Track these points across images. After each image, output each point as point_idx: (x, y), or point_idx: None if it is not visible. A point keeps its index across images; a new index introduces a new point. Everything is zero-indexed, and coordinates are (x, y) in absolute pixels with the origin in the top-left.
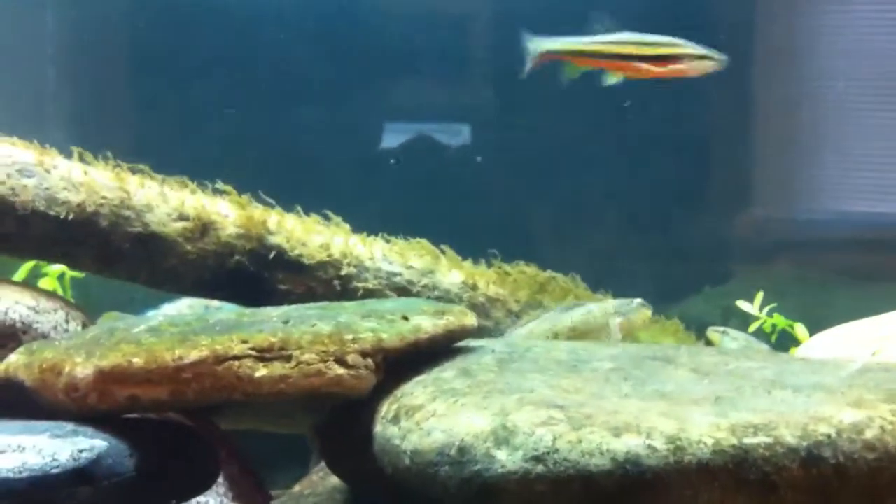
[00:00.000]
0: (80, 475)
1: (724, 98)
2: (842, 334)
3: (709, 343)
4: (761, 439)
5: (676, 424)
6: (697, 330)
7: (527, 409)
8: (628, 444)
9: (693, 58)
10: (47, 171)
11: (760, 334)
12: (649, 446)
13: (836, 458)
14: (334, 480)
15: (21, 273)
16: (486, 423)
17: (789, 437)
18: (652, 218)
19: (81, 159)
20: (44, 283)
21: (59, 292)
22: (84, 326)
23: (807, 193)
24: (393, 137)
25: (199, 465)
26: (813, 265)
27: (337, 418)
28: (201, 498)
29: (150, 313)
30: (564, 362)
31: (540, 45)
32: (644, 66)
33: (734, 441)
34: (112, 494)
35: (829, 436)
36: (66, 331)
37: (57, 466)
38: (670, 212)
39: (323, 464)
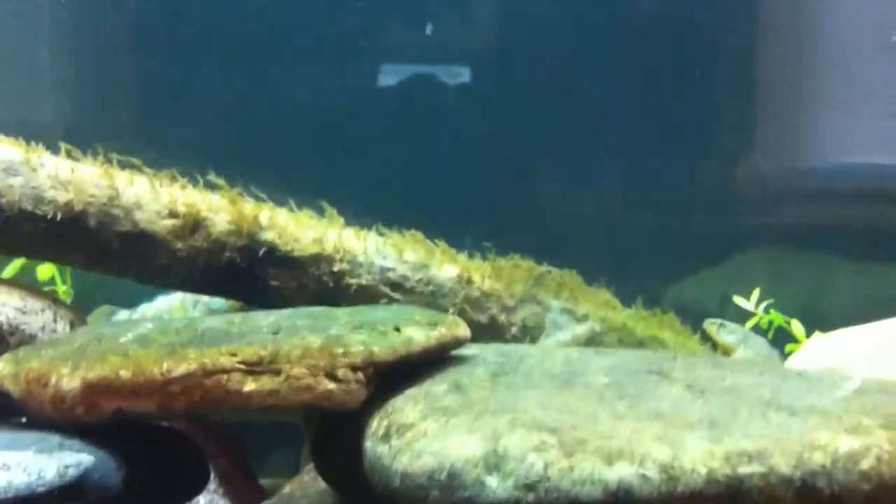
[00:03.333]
0: (68, 492)
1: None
2: (837, 341)
3: (705, 336)
4: (755, 468)
5: (670, 451)
6: (694, 320)
7: (518, 432)
8: (620, 472)
9: None
10: (34, 169)
11: (757, 328)
12: (642, 475)
13: (831, 488)
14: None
15: (10, 270)
16: (478, 448)
17: (784, 466)
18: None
19: (69, 155)
20: (42, 270)
21: (57, 278)
22: (72, 326)
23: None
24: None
25: (189, 471)
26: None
27: (328, 428)
28: None
29: (143, 306)
30: (558, 376)
31: None
32: None
33: (728, 471)
34: None
35: (824, 465)
36: (55, 331)
37: (43, 484)
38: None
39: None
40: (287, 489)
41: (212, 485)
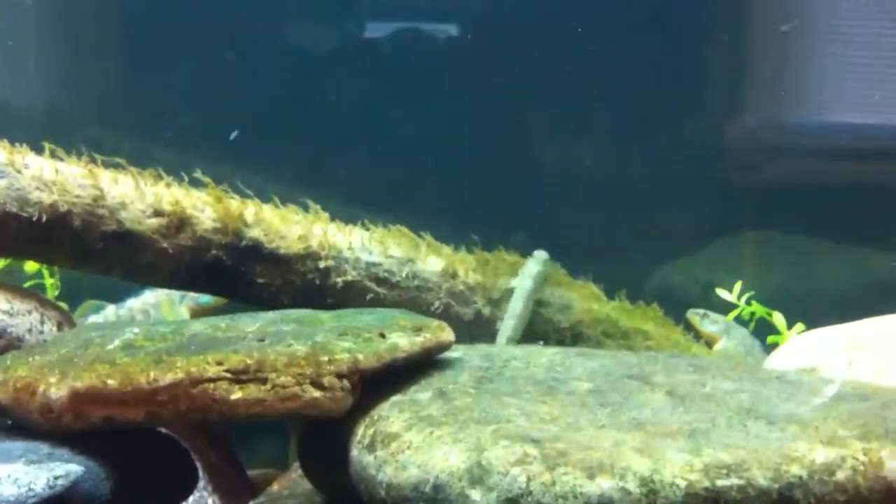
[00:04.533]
0: (58, 502)
1: None
2: (818, 340)
3: (688, 327)
4: (734, 481)
5: (650, 464)
6: (677, 309)
7: (502, 443)
8: (602, 486)
9: None
10: (18, 171)
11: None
12: (622, 489)
13: (807, 500)
14: None
15: None
16: (461, 460)
17: (761, 478)
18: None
19: (53, 155)
20: (29, 263)
21: (44, 271)
22: (59, 327)
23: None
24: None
25: (178, 475)
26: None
27: (314, 433)
28: None
29: (129, 301)
30: (541, 382)
31: None
32: None
33: (707, 483)
34: None
35: (800, 477)
36: (42, 332)
37: (33, 496)
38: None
39: None
40: (275, 487)
41: (201, 481)
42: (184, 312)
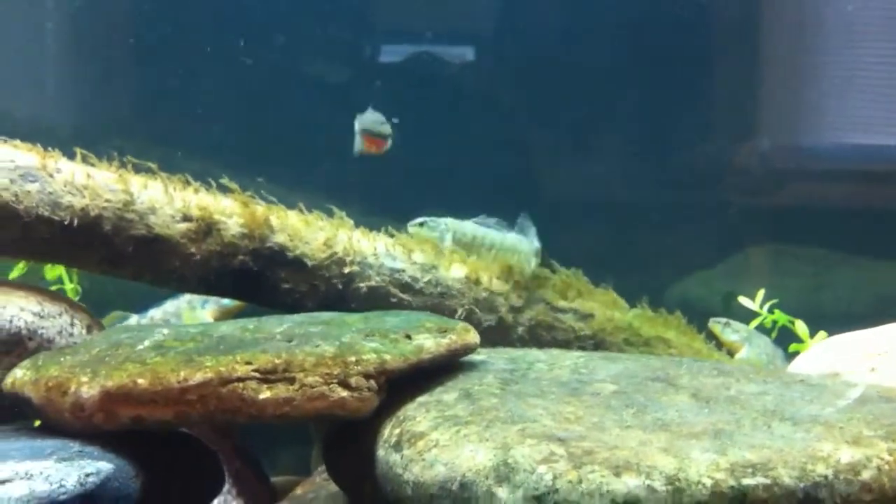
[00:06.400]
0: (88, 500)
1: None
2: (839, 347)
3: (710, 336)
4: (759, 480)
5: (676, 462)
6: (696, 320)
7: (528, 442)
8: (628, 484)
9: None
10: (50, 175)
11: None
12: (649, 487)
13: (833, 499)
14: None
15: (17, 270)
16: (488, 458)
17: (787, 477)
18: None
19: (84, 160)
20: (49, 269)
21: (64, 276)
22: (89, 329)
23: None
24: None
25: (205, 476)
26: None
27: (340, 434)
28: None
29: (151, 311)
30: (566, 384)
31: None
32: None
33: (732, 482)
34: None
35: (826, 476)
36: (71, 335)
37: (64, 493)
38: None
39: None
40: (299, 490)
41: (226, 485)
42: (207, 317)
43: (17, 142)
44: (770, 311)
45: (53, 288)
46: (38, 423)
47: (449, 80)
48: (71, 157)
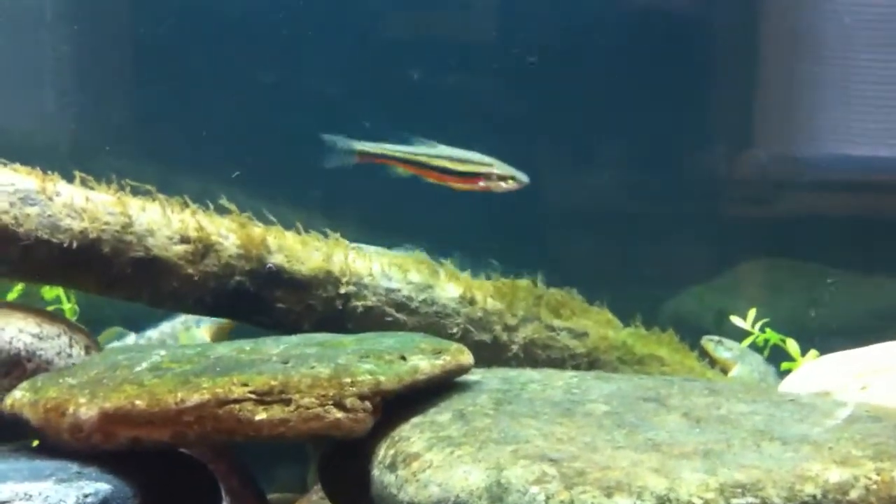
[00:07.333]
0: None
1: None
2: (830, 365)
3: (703, 353)
4: (748, 500)
5: (666, 483)
6: (691, 336)
7: (521, 463)
8: None
9: (497, 178)
10: (50, 198)
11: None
12: None
13: None
14: None
15: (15, 291)
16: (481, 479)
17: (776, 497)
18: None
19: (83, 183)
20: (47, 289)
21: (62, 296)
22: (87, 350)
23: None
24: None
25: (202, 495)
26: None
27: (336, 453)
28: None
29: (148, 332)
30: (559, 404)
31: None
32: (453, 180)
33: (722, 502)
34: None
35: (814, 496)
36: (70, 356)
37: None
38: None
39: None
40: None
41: (222, 503)
42: (202, 334)
43: (17, 165)
44: (762, 330)
45: (51, 308)
46: (36, 442)
47: (440, 90)
48: (69, 178)
